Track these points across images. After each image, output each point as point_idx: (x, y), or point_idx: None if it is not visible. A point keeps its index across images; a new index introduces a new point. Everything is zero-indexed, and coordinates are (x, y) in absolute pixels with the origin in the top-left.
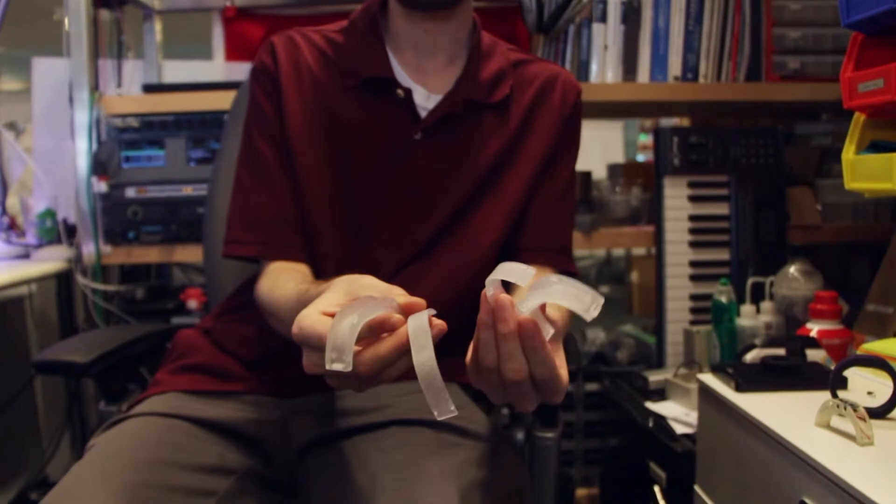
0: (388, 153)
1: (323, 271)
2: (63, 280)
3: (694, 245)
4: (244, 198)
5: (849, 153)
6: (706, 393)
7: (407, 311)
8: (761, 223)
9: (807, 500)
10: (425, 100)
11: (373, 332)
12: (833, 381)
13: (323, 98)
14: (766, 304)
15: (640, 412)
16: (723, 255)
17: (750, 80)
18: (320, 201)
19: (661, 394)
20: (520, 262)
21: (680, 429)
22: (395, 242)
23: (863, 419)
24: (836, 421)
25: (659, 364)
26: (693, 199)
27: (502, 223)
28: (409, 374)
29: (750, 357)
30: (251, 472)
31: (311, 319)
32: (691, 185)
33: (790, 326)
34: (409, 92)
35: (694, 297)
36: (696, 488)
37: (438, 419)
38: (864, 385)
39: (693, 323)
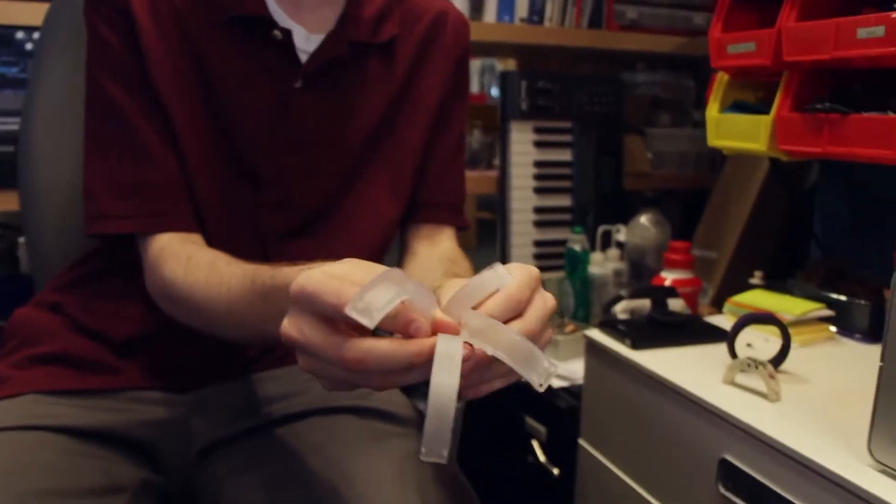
0: (267, 103)
1: (206, 239)
2: None
3: (538, 191)
4: (106, 159)
5: (713, 111)
6: (596, 349)
7: (438, 327)
8: (602, 170)
9: (728, 457)
10: (305, 41)
11: (393, 325)
12: (730, 340)
13: (188, 36)
14: (613, 252)
15: None
16: (565, 201)
17: (592, 26)
18: (196, 157)
19: None
20: (418, 218)
21: (555, 382)
22: (282, 206)
23: (772, 377)
24: (740, 377)
25: None
26: (538, 144)
27: (403, 187)
28: None
29: (620, 308)
30: (145, 485)
31: (319, 276)
32: (537, 130)
33: (638, 274)
34: (287, 33)
35: (538, 244)
36: (581, 442)
37: (421, 457)
38: (743, 338)
39: (539, 269)
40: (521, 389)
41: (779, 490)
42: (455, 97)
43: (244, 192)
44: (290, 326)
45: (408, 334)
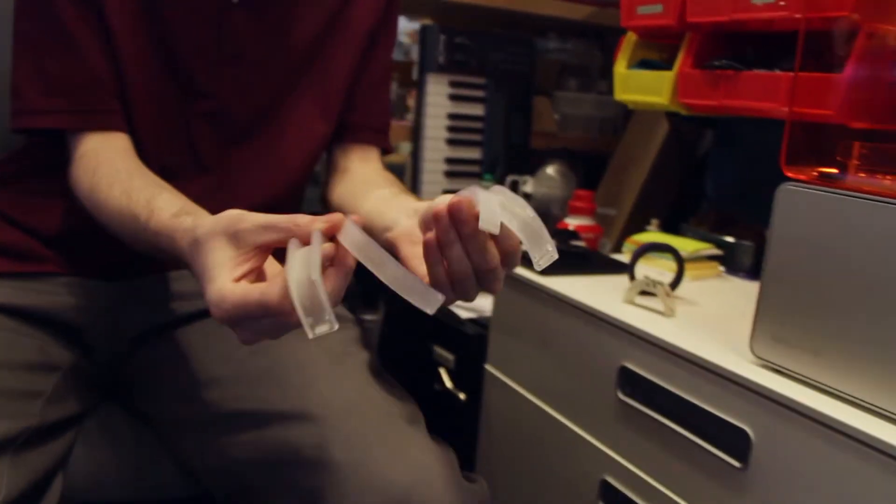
0: (205, 15)
1: (137, 146)
2: None
3: (450, 143)
4: (36, 56)
5: (621, 67)
6: (505, 277)
7: (331, 233)
8: (511, 127)
9: (627, 364)
10: None
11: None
12: (631, 265)
13: None
14: None
15: None
16: (475, 153)
17: None
18: (130, 60)
19: None
20: (348, 138)
21: (463, 314)
22: (215, 116)
23: (668, 295)
24: (638, 299)
25: None
26: (453, 97)
27: (332, 105)
28: None
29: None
30: (75, 368)
31: (236, 294)
32: (452, 84)
33: (544, 222)
34: None
35: (447, 193)
36: (488, 367)
37: (431, 314)
38: (640, 270)
39: None
40: (430, 320)
41: (672, 389)
42: (384, 27)
43: (178, 99)
44: (248, 339)
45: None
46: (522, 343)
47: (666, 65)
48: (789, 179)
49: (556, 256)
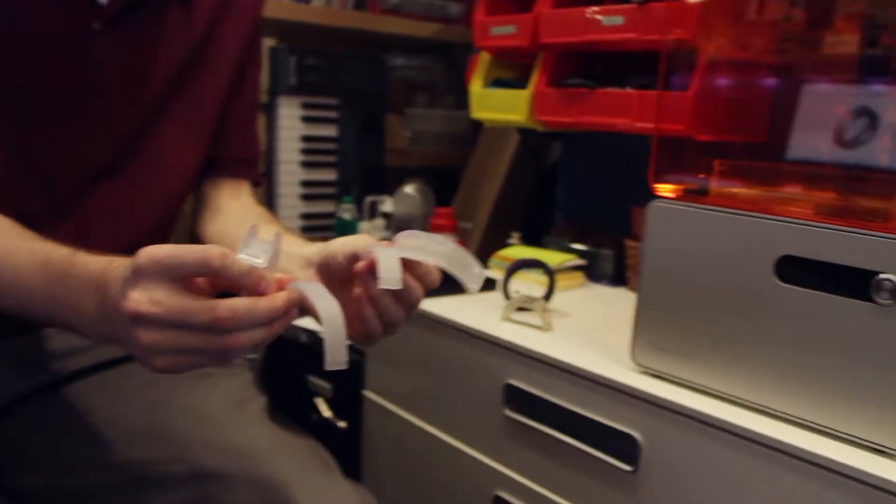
0: (63, 46)
1: None
2: None
3: (305, 165)
4: None
5: (476, 86)
6: None
7: (282, 281)
8: (365, 146)
9: (512, 381)
10: None
11: (248, 281)
12: (505, 283)
13: None
14: (378, 222)
15: (288, 330)
16: (330, 175)
17: (357, 9)
18: None
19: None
20: (218, 172)
21: None
22: (75, 152)
23: (545, 310)
24: (515, 315)
25: None
26: (305, 119)
27: (201, 137)
28: None
29: None
30: None
31: (166, 246)
32: (304, 105)
33: None
34: None
35: (305, 216)
36: (366, 393)
37: (325, 367)
38: (512, 286)
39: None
40: (304, 351)
41: (558, 401)
42: (251, 57)
43: (32, 134)
44: (142, 300)
45: (258, 292)
46: (401, 367)
47: (520, 83)
48: (641, 188)
49: (484, 275)
